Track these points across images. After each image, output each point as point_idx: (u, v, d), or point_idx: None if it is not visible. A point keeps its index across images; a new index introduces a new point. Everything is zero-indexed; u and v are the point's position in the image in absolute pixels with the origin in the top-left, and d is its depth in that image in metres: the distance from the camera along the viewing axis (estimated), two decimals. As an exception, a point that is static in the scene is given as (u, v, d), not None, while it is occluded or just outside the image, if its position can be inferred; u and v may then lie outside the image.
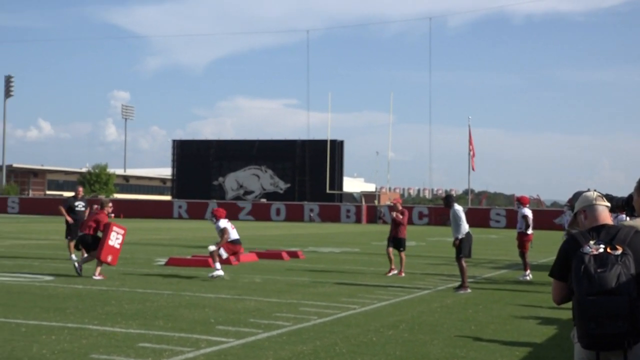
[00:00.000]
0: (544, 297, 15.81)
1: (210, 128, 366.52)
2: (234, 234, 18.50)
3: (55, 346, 9.29)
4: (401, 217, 19.87)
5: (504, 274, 21.40)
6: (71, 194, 24.45)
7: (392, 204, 20.86)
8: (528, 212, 20.15)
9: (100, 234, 17.82)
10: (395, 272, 19.62)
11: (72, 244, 21.88)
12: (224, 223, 18.52)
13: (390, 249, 19.86)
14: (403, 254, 19.85)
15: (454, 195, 17.91)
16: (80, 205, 22.50)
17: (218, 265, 17.71)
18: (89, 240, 18.02)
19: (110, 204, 18.82)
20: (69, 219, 22.11)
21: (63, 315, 11.73)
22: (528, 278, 19.54)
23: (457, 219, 16.73)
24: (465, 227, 16.68)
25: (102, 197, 20.34)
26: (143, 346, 9.41)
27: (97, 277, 17.05)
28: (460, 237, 16.64)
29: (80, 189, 23.59)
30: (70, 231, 22.10)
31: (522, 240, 20.05)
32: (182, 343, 9.67)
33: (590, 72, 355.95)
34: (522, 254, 20.00)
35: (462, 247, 16.65)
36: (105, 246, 17.43)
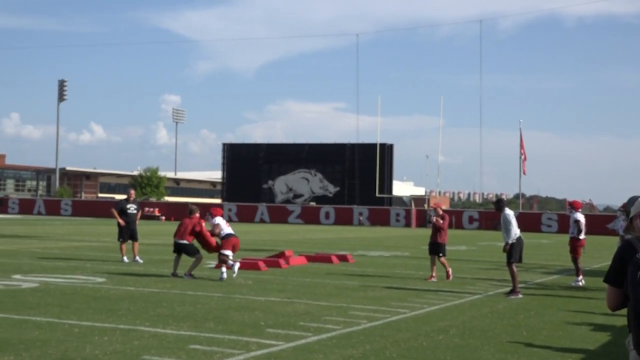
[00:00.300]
0: (597, 303, 15.61)
1: (260, 131, 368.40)
2: (227, 230, 18.76)
3: (107, 347, 9.39)
4: (441, 221, 19.62)
5: (556, 279, 21.17)
6: (123, 196, 24.72)
7: (432, 208, 20.58)
8: (580, 216, 19.90)
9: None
10: (435, 279, 19.30)
11: (124, 245, 22.23)
12: (218, 220, 18.79)
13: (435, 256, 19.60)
14: (443, 259, 19.61)
15: (505, 199, 17.60)
16: (132, 208, 22.74)
17: (224, 268, 18.09)
18: (189, 248, 18.80)
19: (197, 208, 19.66)
20: (121, 221, 22.37)
21: (115, 317, 11.85)
22: (580, 284, 19.32)
23: (507, 223, 16.54)
24: (515, 231, 16.49)
25: (191, 205, 20.63)
26: (194, 348, 9.46)
27: (235, 271, 18.11)
28: (510, 241, 16.46)
29: (133, 191, 23.83)
30: (122, 233, 22.40)
31: (575, 246, 19.81)
32: (233, 345, 9.72)
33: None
34: (575, 259, 19.77)
35: (513, 252, 16.46)
36: (214, 241, 18.90)
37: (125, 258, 22.15)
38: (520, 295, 16.36)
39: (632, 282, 4.97)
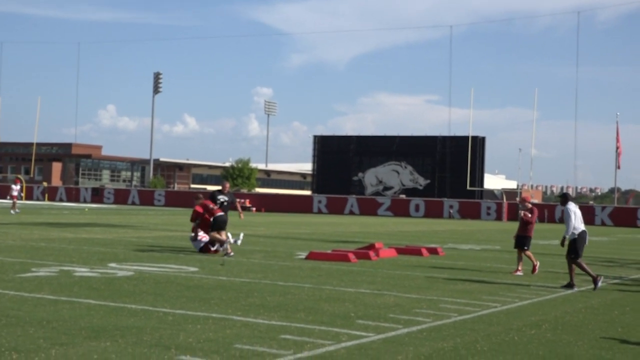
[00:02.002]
0: (696, 300, 15.21)
1: (351, 124, 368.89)
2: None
3: (200, 335, 9.54)
4: (529, 215, 19.34)
5: (652, 275, 20.66)
6: (216, 187, 25.21)
7: (520, 202, 20.26)
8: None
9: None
10: (521, 273, 19.02)
11: (215, 234, 22.52)
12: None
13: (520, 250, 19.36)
14: (528, 253, 19.29)
15: (570, 194, 17.53)
16: (222, 199, 22.87)
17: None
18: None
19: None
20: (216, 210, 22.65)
21: (208, 306, 12.02)
22: None
23: (567, 217, 16.54)
24: (573, 226, 16.45)
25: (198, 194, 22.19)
26: (285, 338, 9.54)
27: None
28: (568, 236, 16.54)
29: (227, 184, 24.10)
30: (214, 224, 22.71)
31: None
32: (323, 336, 9.76)
33: None
34: None
35: (573, 247, 16.52)
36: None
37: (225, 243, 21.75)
38: (576, 289, 16.24)
39: None
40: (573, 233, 16.49)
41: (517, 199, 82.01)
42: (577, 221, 16.57)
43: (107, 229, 33.10)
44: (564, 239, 16.63)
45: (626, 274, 20.38)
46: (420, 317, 11.60)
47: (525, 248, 19.25)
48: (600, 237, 42.86)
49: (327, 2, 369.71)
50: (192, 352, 8.58)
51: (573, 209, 16.67)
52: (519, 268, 19.16)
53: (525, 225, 19.31)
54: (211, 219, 21.60)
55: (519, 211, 20.02)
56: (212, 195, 23.05)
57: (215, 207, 21.89)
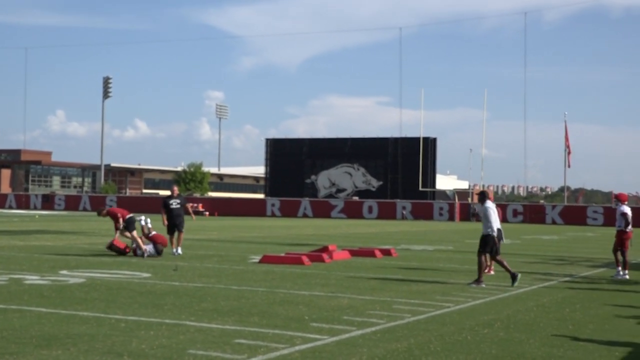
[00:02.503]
0: (644, 296, 15.46)
1: (302, 126, 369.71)
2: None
3: (153, 341, 9.47)
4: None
5: (602, 272, 20.94)
6: (167, 192, 25.32)
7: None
8: (627, 209, 19.68)
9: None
10: (492, 272, 19.22)
11: (173, 239, 22.85)
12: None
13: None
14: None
15: (487, 192, 17.98)
16: (175, 203, 23.14)
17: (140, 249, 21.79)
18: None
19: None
20: (164, 222, 22.85)
21: (161, 312, 11.94)
22: (627, 277, 19.12)
23: (487, 214, 16.96)
24: (492, 224, 16.88)
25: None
26: (239, 342, 9.51)
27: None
28: (485, 233, 16.92)
29: (176, 187, 24.25)
30: (169, 229, 22.88)
31: (622, 238, 19.58)
32: (277, 340, 9.75)
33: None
34: (622, 252, 19.53)
35: (485, 243, 16.89)
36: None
37: (174, 250, 22.68)
38: (484, 285, 16.58)
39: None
40: (492, 229, 16.90)
41: (470, 199, 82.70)
42: (494, 219, 17.02)
43: (58, 235, 32.73)
44: (488, 235, 16.92)
45: (576, 272, 20.64)
46: (373, 319, 11.63)
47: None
48: (550, 236, 43.37)
49: (277, 5, 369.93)
50: (145, 358, 8.52)
51: (492, 206, 17.13)
52: (490, 267, 19.44)
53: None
54: (123, 222, 22.21)
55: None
56: (164, 202, 23.23)
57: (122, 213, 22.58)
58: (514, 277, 16.80)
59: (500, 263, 17.00)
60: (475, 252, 19.15)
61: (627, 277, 19.15)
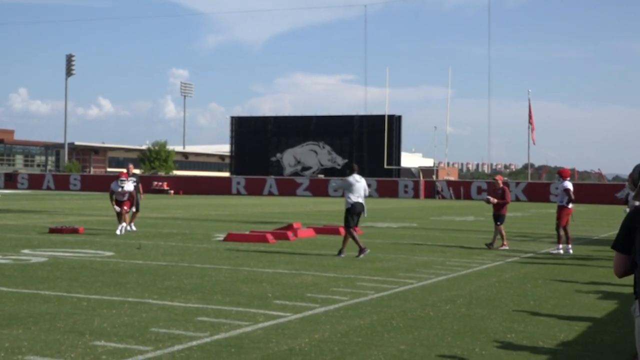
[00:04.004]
0: (605, 271, 15.64)
1: (268, 105, 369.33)
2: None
3: (115, 320, 9.43)
4: (494, 200, 21.08)
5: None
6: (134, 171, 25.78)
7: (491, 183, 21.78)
8: (569, 185, 19.86)
9: None
10: (507, 247, 20.37)
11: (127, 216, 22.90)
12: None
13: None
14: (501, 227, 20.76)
15: (357, 167, 18.43)
16: (126, 184, 23.13)
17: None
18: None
19: None
20: (116, 208, 22.72)
21: (123, 290, 11.90)
22: (571, 251, 19.29)
23: (347, 187, 17.93)
24: (352, 197, 17.79)
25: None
26: (202, 320, 9.51)
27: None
28: (347, 207, 17.78)
29: (131, 165, 24.85)
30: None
31: (562, 214, 19.71)
32: (240, 317, 9.75)
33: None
34: (564, 228, 19.62)
35: (347, 217, 17.77)
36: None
37: (128, 226, 22.85)
38: (368, 251, 17.50)
39: (639, 248, 4.97)
40: (349, 202, 17.66)
41: (434, 177, 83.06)
42: (358, 192, 17.79)
43: (21, 214, 32.46)
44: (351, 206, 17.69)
45: (539, 248, 20.84)
46: (337, 296, 11.67)
47: (499, 223, 20.66)
48: (514, 213, 43.67)
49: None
50: (107, 337, 8.49)
51: (353, 180, 17.85)
52: (504, 242, 20.53)
53: (500, 204, 20.95)
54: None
55: (486, 196, 21.93)
56: (111, 188, 23.73)
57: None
58: (361, 251, 17.41)
59: (352, 235, 17.63)
60: (439, 229, 19.30)
61: (562, 252, 19.31)
